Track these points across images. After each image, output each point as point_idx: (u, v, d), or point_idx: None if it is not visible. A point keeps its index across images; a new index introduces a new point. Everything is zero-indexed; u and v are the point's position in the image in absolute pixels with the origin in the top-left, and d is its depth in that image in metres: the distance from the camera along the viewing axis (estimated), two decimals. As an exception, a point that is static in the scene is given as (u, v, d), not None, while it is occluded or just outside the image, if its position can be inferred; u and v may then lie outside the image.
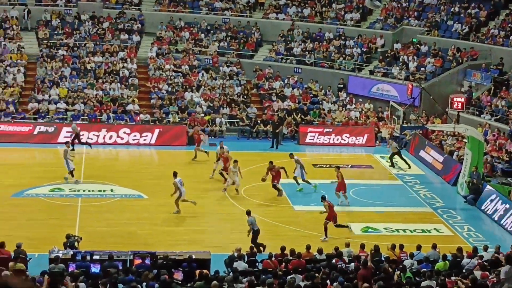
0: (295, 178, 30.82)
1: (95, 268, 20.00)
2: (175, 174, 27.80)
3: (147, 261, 20.48)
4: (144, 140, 37.77)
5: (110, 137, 37.43)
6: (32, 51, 44.32)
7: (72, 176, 30.47)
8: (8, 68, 42.01)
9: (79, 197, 29.25)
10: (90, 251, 21.39)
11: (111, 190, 30.29)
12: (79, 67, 43.07)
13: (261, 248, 23.86)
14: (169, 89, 42.30)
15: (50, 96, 40.36)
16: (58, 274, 18.82)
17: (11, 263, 19.66)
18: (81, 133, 36.46)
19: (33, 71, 42.84)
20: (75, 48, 44.61)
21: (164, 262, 20.27)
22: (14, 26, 45.49)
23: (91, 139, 36.82)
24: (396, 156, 35.52)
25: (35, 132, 36.88)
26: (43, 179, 30.86)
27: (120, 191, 30.32)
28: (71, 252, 21.13)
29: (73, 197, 29.20)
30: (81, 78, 42.14)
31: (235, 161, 30.20)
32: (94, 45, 44.89)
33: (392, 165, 35.35)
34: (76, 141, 34.73)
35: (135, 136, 37.86)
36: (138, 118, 39.33)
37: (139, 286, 17.25)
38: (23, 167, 32.89)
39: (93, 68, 43.10)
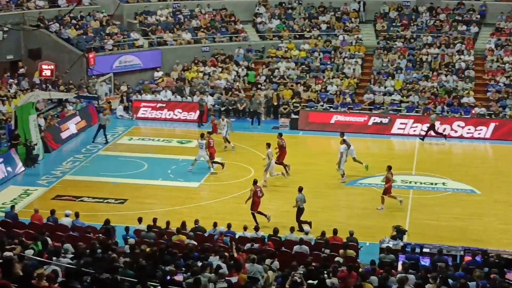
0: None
1: (424, 261, 19.93)
2: None
3: (478, 259, 19.94)
4: (479, 134, 36.81)
5: (444, 130, 36.98)
6: (369, 43, 45.30)
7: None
8: (346, 59, 43.41)
9: (410, 189, 29.35)
10: (420, 243, 21.38)
11: (443, 184, 29.99)
12: (414, 59, 43.15)
13: (308, 226, 23.77)
14: (507, 82, 40.72)
15: (385, 87, 40.96)
16: (387, 264, 19.11)
17: (341, 251, 20.31)
18: (414, 124, 36.78)
19: (370, 62, 43.77)
20: (412, 40, 44.75)
21: (496, 260, 19.60)
22: (353, 19, 46.82)
23: (424, 131, 36.74)
24: None
25: (370, 123, 37.64)
26: (376, 169, 31.38)
27: (452, 185, 29.89)
28: (401, 244, 21.28)
29: (405, 188, 29.36)
30: (416, 70, 42.20)
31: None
32: (431, 36, 44.66)
33: None
34: (432, 132, 35.90)
35: (469, 129, 37.04)
36: (473, 111, 38.42)
37: (468, 283, 16.86)
38: (357, 157, 33.72)
39: (429, 60, 42.90)
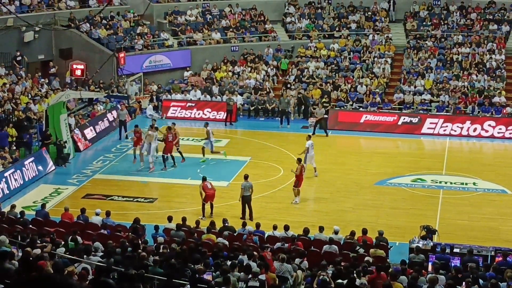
0: (203, 149, 31.64)
1: (455, 262, 19.79)
2: None
3: (510, 259, 19.75)
4: (510, 133, 36.46)
5: (474, 130, 36.70)
6: (399, 42, 45.06)
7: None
8: (376, 59, 43.22)
9: (440, 188, 29.16)
10: (450, 243, 21.23)
11: (474, 184, 29.76)
12: (445, 58, 42.86)
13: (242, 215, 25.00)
14: (539, 81, 40.36)
15: (415, 87, 40.73)
16: (417, 264, 19.00)
17: (372, 250, 20.24)
18: (445, 124, 36.51)
19: (400, 62, 43.55)
20: (442, 39, 44.45)
21: (528, 261, 19.40)
22: (383, 18, 46.61)
23: (455, 131, 36.55)
24: None
25: (400, 122, 37.44)
26: (406, 168, 31.27)
27: (483, 185, 29.64)
28: (431, 244, 21.16)
29: (435, 188, 29.18)
30: (447, 70, 41.90)
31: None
32: (462, 36, 44.32)
33: None
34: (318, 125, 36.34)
35: (500, 129, 36.71)
36: (504, 111, 38.08)
37: (499, 283, 16.71)
38: (387, 156, 33.63)
39: (459, 59, 42.58)
